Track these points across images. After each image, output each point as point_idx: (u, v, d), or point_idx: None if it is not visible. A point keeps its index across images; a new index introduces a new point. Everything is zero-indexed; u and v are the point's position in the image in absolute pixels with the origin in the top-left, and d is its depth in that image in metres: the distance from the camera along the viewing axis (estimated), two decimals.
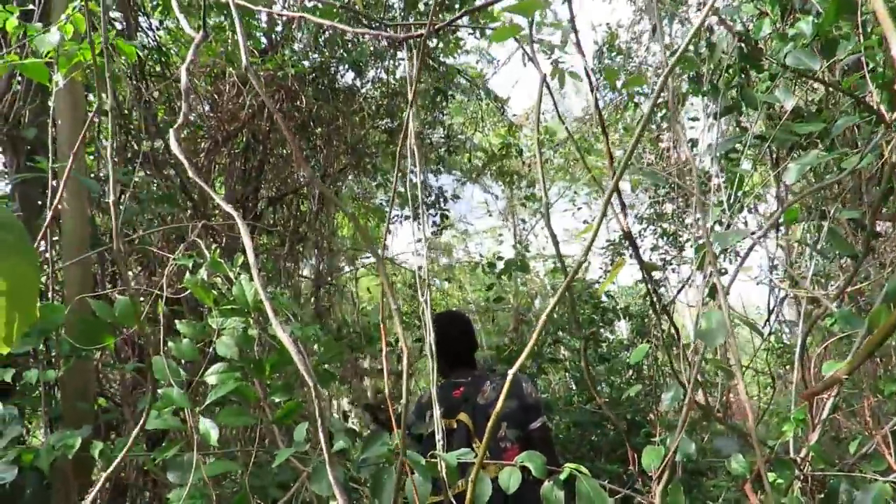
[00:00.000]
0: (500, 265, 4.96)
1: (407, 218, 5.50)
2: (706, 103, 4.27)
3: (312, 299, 4.89)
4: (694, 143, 4.58)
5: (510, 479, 1.06)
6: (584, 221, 7.61)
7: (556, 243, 1.01)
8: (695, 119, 4.47)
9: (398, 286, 6.04)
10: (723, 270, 2.15)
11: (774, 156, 3.00)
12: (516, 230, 9.12)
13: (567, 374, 6.54)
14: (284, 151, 5.00)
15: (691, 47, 2.64)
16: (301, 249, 5.12)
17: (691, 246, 5.44)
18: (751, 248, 1.41)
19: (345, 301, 5.99)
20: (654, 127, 4.76)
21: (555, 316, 6.91)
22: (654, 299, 1.33)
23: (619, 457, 4.52)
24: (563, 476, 1.04)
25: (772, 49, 2.27)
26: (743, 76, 2.34)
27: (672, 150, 4.31)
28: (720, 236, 1.14)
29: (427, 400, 2.46)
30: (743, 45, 2.18)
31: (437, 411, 1.30)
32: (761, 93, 2.08)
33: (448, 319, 2.59)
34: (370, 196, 6.15)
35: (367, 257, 6.67)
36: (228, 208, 1.10)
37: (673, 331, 1.66)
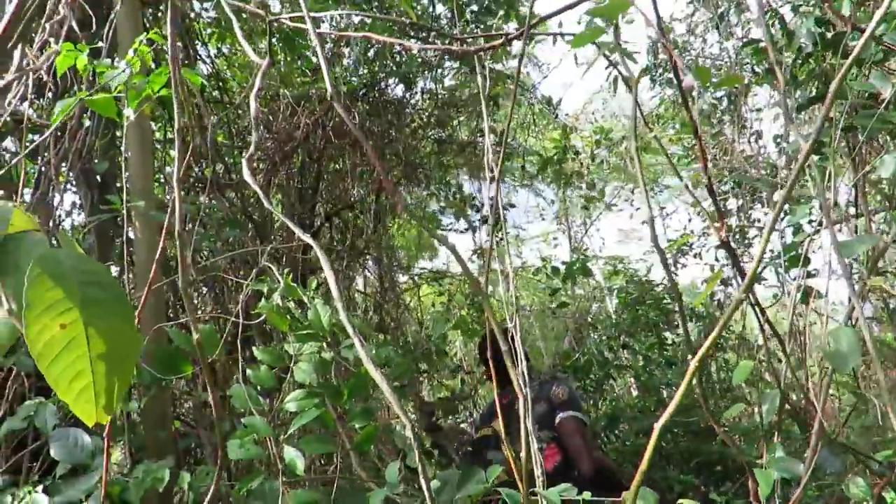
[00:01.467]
0: (562, 269, 4.84)
1: (465, 230, 5.44)
2: (771, 94, 4.07)
3: (374, 315, 4.88)
4: (759, 135, 4.38)
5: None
6: (643, 222, 7.39)
7: (665, 263, 0.92)
8: (758, 110, 4.28)
9: (456, 296, 5.98)
10: (814, 272, 2.01)
11: (852, 145, 2.81)
12: (571, 233, 8.94)
13: (633, 380, 6.34)
14: (338, 167, 5.02)
15: (763, 36, 2.50)
16: (358, 264, 5.13)
17: (759, 242, 5.19)
18: (882, 253, 1.29)
19: (407, 315, 5.96)
20: (714, 121, 4.57)
21: (615, 320, 6.74)
22: (759, 310, 1.22)
23: (693, 468, 4.31)
24: None
25: (854, 33, 2.12)
26: (823, 64, 2.19)
27: (737, 144, 4.13)
28: (846, 246, 1.03)
29: (482, 413, 2.76)
30: (824, 30, 2.04)
31: (494, 423, 1.22)
32: (850, 80, 1.93)
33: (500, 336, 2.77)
34: (423, 205, 6.12)
35: (424, 269, 6.63)
36: (307, 238, 1.05)
37: (768, 336, 1.54)
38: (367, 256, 4.93)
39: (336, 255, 4.76)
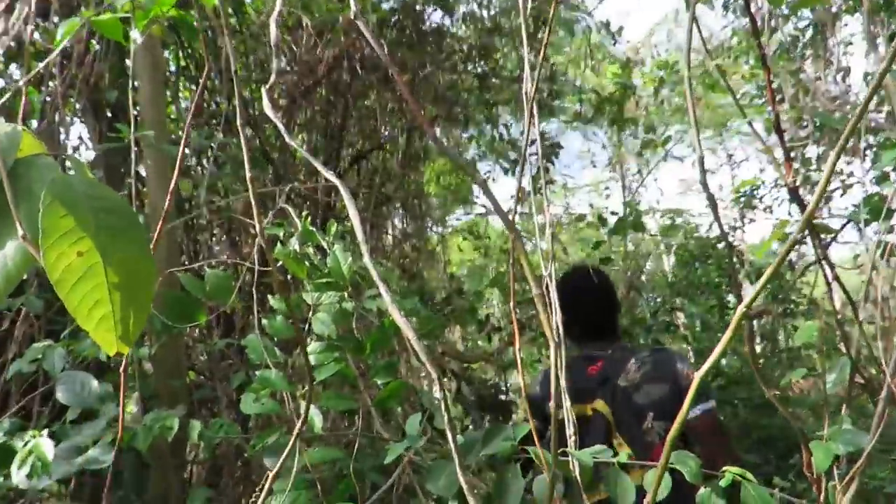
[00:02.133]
0: (612, 221, 4.80)
1: (506, 171, 5.41)
2: (869, 25, 3.90)
3: (398, 263, 4.94)
4: (847, 72, 4.23)
5: (655, 485, 0.99)
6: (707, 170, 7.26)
7: (714, 206, 0.92)
8: (848, 44, 4.12)
9: (493, 249, 6.00)
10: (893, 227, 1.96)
11: None
12: (625, 182, 8.82)
13: (687, 344, 6.36)
14: (368, 104, 5.01)
15: None
16: (386, 210, 5.17)
17: (841, 195, 5.07)
18: None
19: (433, 264, 6.02)
20: (795, 56, 4.42)
21: (670, 279, 6.70)
22: (828, 265, 1.22)
23: (753, 442, 4.34)
24: (723, 482, 0.98)
25: None
26: None
27: (821, 82, 3.99)
28: None
29: (541, 381, 2.17)
30: None
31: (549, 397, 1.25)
32: None
33: (581, 276, 2.20)
34: (461, 149, 6.09)
35: (459, 218, 6.66)
36: (331, 176, 1.08)
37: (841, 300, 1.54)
38: (397, 202, 4.96)
39: (363, 199, 4.80)
